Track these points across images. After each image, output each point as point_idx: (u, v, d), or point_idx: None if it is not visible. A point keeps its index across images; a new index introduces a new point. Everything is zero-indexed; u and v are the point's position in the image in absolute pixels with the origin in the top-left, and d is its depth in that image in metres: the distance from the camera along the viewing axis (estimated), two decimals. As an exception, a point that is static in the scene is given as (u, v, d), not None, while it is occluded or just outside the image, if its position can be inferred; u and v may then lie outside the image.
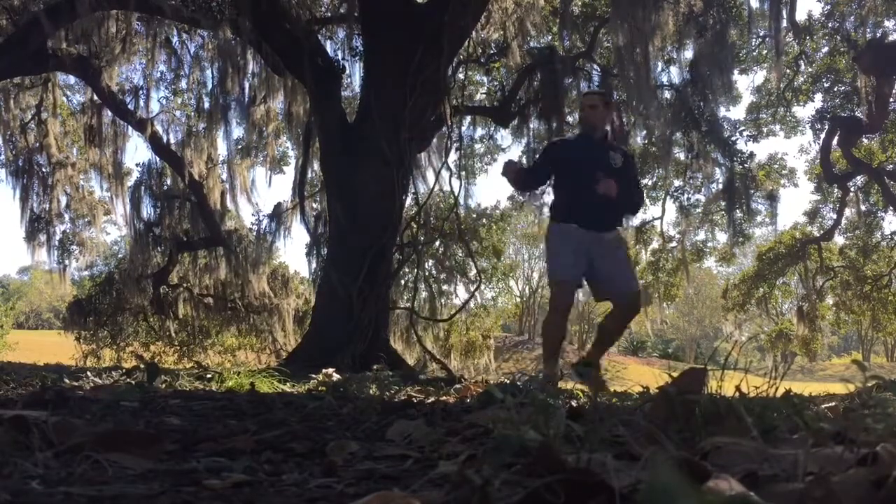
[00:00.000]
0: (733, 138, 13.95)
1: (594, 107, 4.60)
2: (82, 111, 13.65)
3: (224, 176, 13.94)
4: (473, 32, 10.15)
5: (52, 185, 13.73)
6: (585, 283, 4.56)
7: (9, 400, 2.15)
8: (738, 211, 13.69)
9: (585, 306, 46.78)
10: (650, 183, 14.94)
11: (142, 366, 4.19)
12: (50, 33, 8.96)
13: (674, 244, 17.05)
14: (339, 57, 10.57)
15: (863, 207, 16.78)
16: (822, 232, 17.72)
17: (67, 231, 15.04)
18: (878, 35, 12.76)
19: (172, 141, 13.59)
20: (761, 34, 13.34)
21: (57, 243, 14.54)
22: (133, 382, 3.27)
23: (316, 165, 11.02)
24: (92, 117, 13.08)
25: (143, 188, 13.96)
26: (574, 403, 2.03)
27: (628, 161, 4.71)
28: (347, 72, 11.95)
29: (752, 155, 14.17)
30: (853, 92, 14.08)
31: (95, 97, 12.48)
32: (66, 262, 15.20)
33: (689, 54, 11.47)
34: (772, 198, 15.56)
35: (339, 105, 9.02)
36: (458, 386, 3.50)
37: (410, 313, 11.13)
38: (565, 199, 4.58)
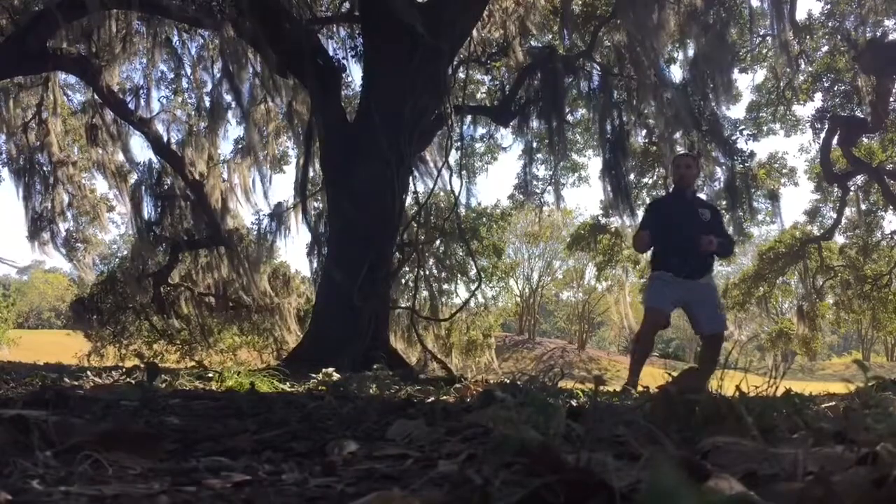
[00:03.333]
0: (734, 137, 13.96)
1: (689, 167, 5.31)
2: (83, 111, 13.64)
3: (225, 175, 13.94)
4: (474, 32, 10.13)
5: (54, 184, 13.73)
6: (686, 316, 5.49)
7: (9, 399, 2.15)
8: (738, 210, 13.68)
9: (585, 308, 47.01)
10: (650, 182, 14.92)
11: (142, 365, 4.19)
12: (62, 25, 8.97)
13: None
14: (340, 56, 10.59)
15: (863, 207, 16.77)
16: (822, 231, 17.71)
17: (70, 229, 15.05)
18: (878, 34, 12.74)
19: (173, 140, 13.59)
20: (761, 33, 13.34)
21: (61, 241, 14.56)
22: (133, 382, 3.27)
23: (317, 165, 11.01)
24: (93, 117, 13.07)
25: (143, 187, 13.95)
26: (574, 403, 2.03)
27: (715, 214, 5.43)
28: (348, 71, 11.94)
29: (752, 154, 14.20)
30: (853, 91, 14.07)
31: (96, 96, 12.47)
32: (73, 258, 15.23)
33: (689, 53, 11.44)
34: (774, 196, 15.54)
35: (339, 104, 9.00)
36: (458, 385, 3.49)
37: (411, 312, 11.11)
38: (662, 251, 5.30)
